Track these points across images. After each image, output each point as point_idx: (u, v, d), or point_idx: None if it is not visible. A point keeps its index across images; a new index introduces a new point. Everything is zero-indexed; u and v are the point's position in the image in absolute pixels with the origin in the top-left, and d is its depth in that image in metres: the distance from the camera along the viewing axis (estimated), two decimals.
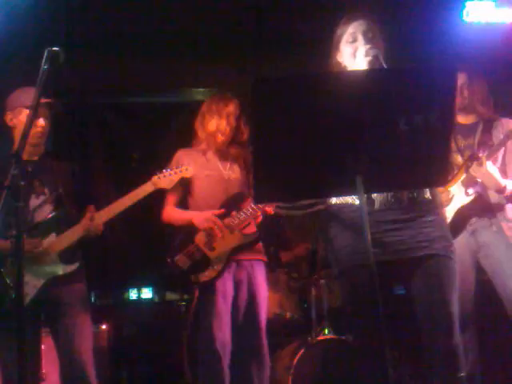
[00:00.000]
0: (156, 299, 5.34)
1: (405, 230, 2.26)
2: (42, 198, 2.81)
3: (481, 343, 3.20)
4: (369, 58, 2.28)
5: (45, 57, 2.08)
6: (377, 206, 2.27)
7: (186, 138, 3.37)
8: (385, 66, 2.23)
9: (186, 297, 4.29)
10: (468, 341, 3.08)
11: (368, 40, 2.31)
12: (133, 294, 5.25)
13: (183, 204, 3.29)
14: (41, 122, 2.81)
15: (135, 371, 4.65)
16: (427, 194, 2.32)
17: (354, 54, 2.33)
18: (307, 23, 4.28)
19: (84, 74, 4.46)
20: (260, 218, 3.11)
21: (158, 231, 3.67)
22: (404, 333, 2.33)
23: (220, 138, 3.23)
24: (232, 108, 3.23)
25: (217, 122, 3.22)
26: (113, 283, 5.06)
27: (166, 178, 2.96)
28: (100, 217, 2.83)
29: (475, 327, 3.16)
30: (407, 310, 2.31)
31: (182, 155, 3.28)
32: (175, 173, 2.98)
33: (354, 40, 2.33)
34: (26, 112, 2.75)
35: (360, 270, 2.22)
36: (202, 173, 3.22)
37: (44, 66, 2.07)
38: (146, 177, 3.00)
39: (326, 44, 2.46)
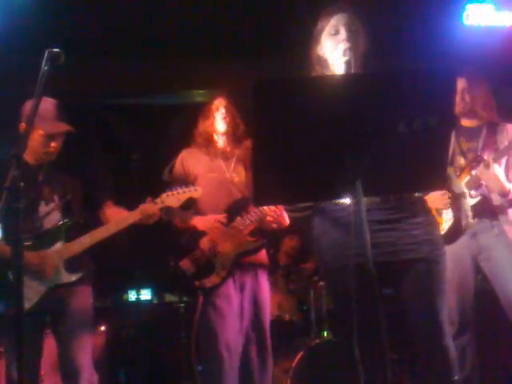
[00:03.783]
0: (155, 301, 5.34)
1: (391, 232, 2.21)
2: (51, 205, 2.82)
3: (480, 346, 3.19)
4: (346, 58, 2.19)
5: (45, 58, 2.07)
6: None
7: (186, 139, 3.36)
8: (354, 71, 2.16)
9: (185, 298, 4.29)
10: (467, 344, 3.08)
11: (350, 34, 2.21)
12: (132, 296, 5.25)
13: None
14: (53, 144, 2.82)
15: (133, 372, 4.65)
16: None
17: (334, 47, 2.23)
18: (307, 23, 4.28)
19: (83, 75, 4.46)
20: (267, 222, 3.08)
21: (157, 232, 3.67)
22: (401, 334, 2.33)
23: (215, 137, 3.23)
24: (216, 104, 3.24)
25: (206, 123, 3.23)
26: (112, 284, 5.06)
27: (174, 197, 2.96)
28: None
29: (474, 330, 3.15)
30: (399, 310, 2.30)
31: (186, 156, 3.27)
32: (184, 192, 2.98)
33: (336, 32, 2.23)
34: (39, 133, 2.74)
35: (345, 271, 2.15)
36: (205, 175, 3.20)
37: (44, 68, 2.07)
38: (146, 178, 2.99)
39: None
